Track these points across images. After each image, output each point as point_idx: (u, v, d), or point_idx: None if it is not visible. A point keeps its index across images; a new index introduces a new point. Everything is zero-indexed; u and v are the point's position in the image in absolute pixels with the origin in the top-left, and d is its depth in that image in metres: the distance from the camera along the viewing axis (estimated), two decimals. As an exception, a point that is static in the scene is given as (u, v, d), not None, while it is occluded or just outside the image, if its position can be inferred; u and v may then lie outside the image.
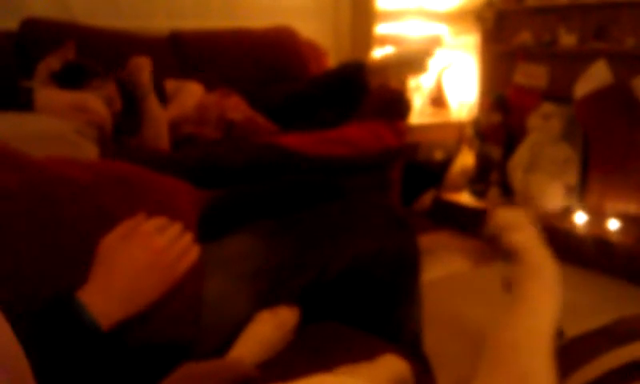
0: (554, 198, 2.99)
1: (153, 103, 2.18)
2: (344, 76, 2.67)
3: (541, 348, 0.70)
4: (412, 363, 0.97)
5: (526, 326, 0.72)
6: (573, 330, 0.99)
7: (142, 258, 0.92)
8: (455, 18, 3.63)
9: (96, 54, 2.38)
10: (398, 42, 3.51)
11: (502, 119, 3.26)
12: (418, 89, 3.65)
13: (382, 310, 1.21)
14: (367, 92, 2.61)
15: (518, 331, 0.71)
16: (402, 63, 2.68)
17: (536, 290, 0.76)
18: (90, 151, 1.45)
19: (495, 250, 0.86)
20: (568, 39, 3.01)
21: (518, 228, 0.84)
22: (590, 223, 2.83)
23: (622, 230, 2.73)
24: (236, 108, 2.39)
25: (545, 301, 0.76)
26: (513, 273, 0.80)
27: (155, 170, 1.18)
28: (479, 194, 3.31)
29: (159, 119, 2.16)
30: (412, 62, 2.63)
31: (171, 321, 0.97)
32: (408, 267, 1.24)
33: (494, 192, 3.26)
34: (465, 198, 3.35)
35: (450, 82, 3.72)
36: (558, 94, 3.04)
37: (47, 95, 1.59)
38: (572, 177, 2.98)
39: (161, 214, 0.99)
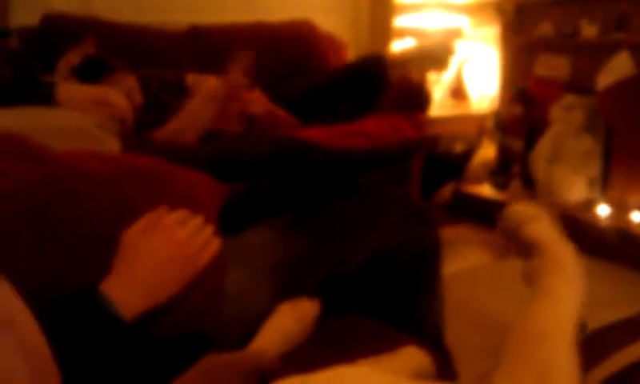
0: (576, 190, 2.95)
1: (197, 100, 2.18)
2: (363, 69, 2.66)
3: (563, 340, 0.70)
4: (433, 355, 0.97)
5: (549, 318, 0.72)
6: (595, 322, 0.98)
7: (163, 251, 0.92)
8: (475, 10, 3.60)
9: (116, 49, 2.40)
10: (417, 34, 3.49)
11: (524, 111, 3.23)
12: (438, 81, 3.62)
13: (403, 303, 1.21)
14: (387, 85, 2.60)
15: (540, 323, 0.71)
16: (423, 58, 2.66)
17: (558, 282, 0.76)
18: (111, 145, 1.46)
19: (511, 244, 0.86)
20: (589, 30, 2.97)
21: (536, 220, 0.84)
22: (613, 215, 2.80)
23: (644, 223, 2.70)
24: (256, 102, 2.40)
25: (567, 293, 0.75)
26: (533, 265, 0.80)
27: (176, 164, 1.19)
28: (500, 186, 3.29)
29: (199, 116, 2.16)
30: (433, 58, 2.62)
31: (193, 313, 0.98)
32: (428, 260, 1.23)
33: (515, 184, 3.23)
34: (486, 190, 3.33)
35: (471, 74, 3.69)
36: (580, 85, 3.00)
37: (68, 90, 1.61)
38: (594, 169, 2.94)
39: (182, 206, 0.99)
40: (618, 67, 2.79)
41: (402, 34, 3.60)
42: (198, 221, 0.98)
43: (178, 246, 0.93)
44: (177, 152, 1.88)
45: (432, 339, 1.22)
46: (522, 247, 0.83)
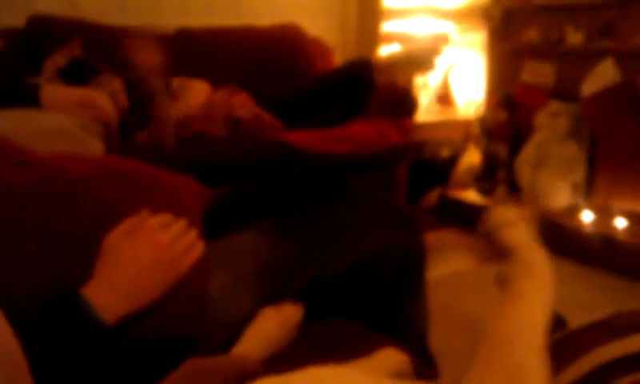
0: (560, 195, 2.98)
1: (163, 103, 2.19)
2: (350, 74, 2.67)
3: (533, 343, 0.70)
4: (417, 360, 0.97)
5: (519, 322, 0.72)
6: (577, 326, 0.98)
7: (146, 254, 0.92)
8: (462, 16, 3.62)
9: (103, 52, 2.39)
10: (404, 39, 3.50)
11: (509, 117, 3.25)
12: (425, 86, 3.64)
13: (388, 308, 1.21)
14: (373, 90, 2.61)
15: (510, 327, 0.72)
16: (409, 62, 2.67)
17: (530, 286, 0.77)
18: (95, 147, 1.45)
19: (491, 247, 0.87)
20: (575, 37, 3.00)
21: (513, 225, 0.84)
22: (597, 221, 2.82)
23: (628, 229, 2.72)
24: (243, 105, 2.39)
25: (538, 297, 0.76)
26: (507, 269, 0.80)
27: (161, 167, 1.18)
28: (486, 191, 3.30)
29: (167, 120, 2.16)
30: (419, 60, 2.63)
31: (175, 317, 0.97)
32: (413, 265, 1.24)
33: (500, 190, 3.25)
34: (471, 195, 3.34)
35: (457, 79, 3.71)
36: (565, 92, 3.03)
37: (53, 92, 1.60)
38: (579, 175, 2.97)
39: (166, 210, 0.99)
40: (603, 74, 2.81)
41: (389, 39, 3.62)
42: (181, 224, 0.98)
43: (161, 250, 0.93)
44: (161, 155, 1.88)
45: (416, 344, 1.22)
46: (498, 250, 0.84)
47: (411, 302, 1.25)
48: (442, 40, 3.46)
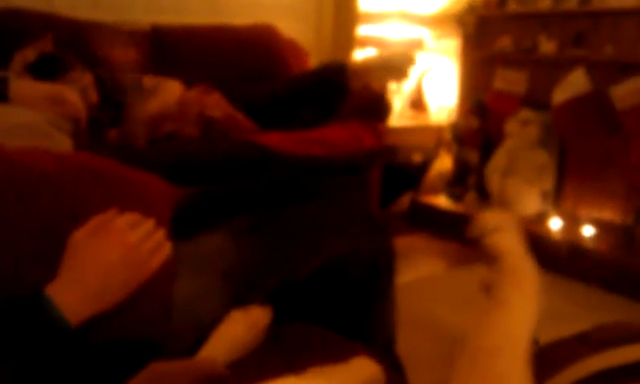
0: (529, 203, 3.01)
1: (134, 101, 2.16)
2: (325, 77, 2.66)
3: (518, 354, 0.70)
4: (385, 365, 0.97)
5: (504, 332, 0.72)
6: (546, 336, 0.99)
7: (113, 254, 0.90)
8: (437, 22, 3.64)
9: (75, 47, 2.35)
10: (379, 44, 3.52)
11: (480, 124, 3.28)
12: (398, 91, 3.65)
13: (356, 312, 1.21)
14: (348, 93, 2.61)
15: (495, 336, 0.71)
16: (383, 68, 2.67)
17: (515, 295, 0.76)
18: (63, 143, 1.43)
19: (478, 252, 0.86)
20: (547, 46, 3.04)
21: (502, 231, 0.84)
22: (565, 229, 2.86)
23: (596, 237, 2.76)
24: (216, 106, 2.37)
25: (523, 307, 0.75)
26: (492, 276, 0.80)
27: (130, 166, 1.17)
28: (456, 197, 3.33)
29: (138, 118, 2.14)
30: (394, 67, 2.63)
31: (141, 318, 0.96)
32: (382, 270, 1.24)
33: (471, 196, 3.28)
34: (442, 201, 3.37)
35: (430, 85, 3.74)
36: (537, 100, 3.07)
37: (22, 86, 1.57)
38: (548, 182, 3.01)
39: (133, 209, 0.98)
40: (574, 83, 2.86)
41: (364, 43, 3.62)
42: (149, 224, 0.96)
43: (128, 250, 0.91)
44: (131, 153, 1.85)
45: (384, 349, 1.22)
46: (486, 255, 0.84)
47: (380, 307, 1.24)
48: (417, 46, 3.48)
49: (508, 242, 0.83)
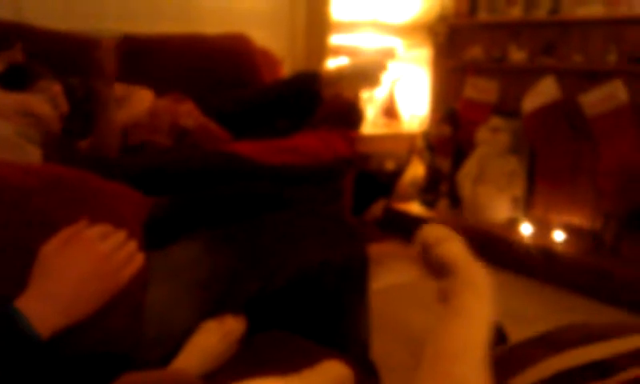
0: (501, 209, 3.05)
1: (106, 110, 2.14)
2: (298, 85, 2.67)
3: (476, 358, 0.71)
4: (358, 370, 0.98)
5: (462, 337, 0.73)
6: (517, 338, 1.00)
7: (83, 266, 0.90)
8: (409, 32, 3.68)
9: (46, 57, 2.33)
10: (352, 53, 3.54)
11: (452, 132, 3.32)
12: (371, 100, 3.68)
13: (330, 319, 1.21)
14: (321, 102, 2.62)
15: (453, 342, 0.72)
16: (355, 75, 2.69)
17: (471, 301, 0.77)
18: (33, 155, 1.41)
19: (426, 263, 0.87)
20: (518, 55, 3.08)
21: (448, 241, 0.85)
22: (536, 234, 2.90)
23: (566, 241, 2.81)
24: (188, 115, 2.37)
25: (480, 312, 0.77)
26: (447, 285, 0.81)
27: (101, 176, 1.16)
28: (429, 204, 3.35)
29: (110, 127, 2.12)
30: (366, 75, 2.65)
31: (114, 329, 0.95)
32: (355, 277, 1.24)
33: (443, 203, 3.31)
34: (415, 208, 3.39)
35: (403, 94, 3.77)
36: (507, 108, 3.12)
37: (-10, 97, 1.55)
38: (518, 189, 3.05)
39: (104, 220, 0.97)
40: (543, 91, 2.90)
41: (337, 52, 3.64)
42: (120, 235, 0.96)
43: (99, 261, 0.91)
44: (101, 163, 1.84)
45: (358, 355, 1.23)
46: (434, 267, 0.85)
47: (353, 314, 1.25)
48: (389, 55, 3.51)
49: (457, 250, 0.84)
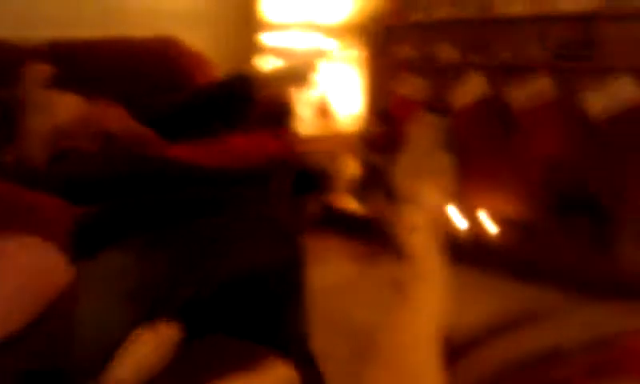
0: (433, 202, 3.10)
1: (29, 117, 2.08)
2: (229, 87, 2.66)
3: (430, 347, 0.72)
4: (300, 368, 0.98)
5: (414, 328, 0.74)
6: (454, 325, 1.02)
7: (8, 280, 0.87)
8: (342, 32, 3.70)
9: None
10: (284, 53, 3.54)
11: (386, 129, 3.36)
12: (305, 100, 3.69)
13: (268, 320, 1.21)
14: (253, 103, 2.61)
15: (406, 333, 0.73)
16: (287, 76, 2.70)
17: (425, 293, 0.78)
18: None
19: (388, 248, 0.88)
20: (448, 53, 3.15)
21: (418, 231, 0.86)
22: (468, 226, 2.97)
23: (499, 232, 2.89)
24: (117, 120, 2.32)
25: (433, 303, 0.78)
26: (404, 274, 0.82)
27: (26, 186, 1.13)
28: (365, 200, 3.39)
29: (34, 135, 2.06)
30: (296, 75, 2.66)
31: (43, 343, 0.93)
32: (292, 277, 1.25)
33: (379, 198, 3.35)
34: (352, 204, 3.42)
35: (337, 93, 3.79)
36: (438, 105, 3.18)
37: None
38: (450, 182, 3.11)
39: (30, 232, 0.94)
40: (472, 88, 2.98)
41: (268, 52, 3.64)
42: (47, 246, 0.93)
43: (24, 274, 0.88)
44: (27, 173, 1.78)
45: (300, 354, 1.23)
46: (397, 252, 0.86)
47: (291, 313, 1.25)
48: (321, 54, 3.53)
49: (422, 242, 0.86)
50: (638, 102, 2.56)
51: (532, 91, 2.81)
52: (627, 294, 2.35)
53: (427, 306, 0.78)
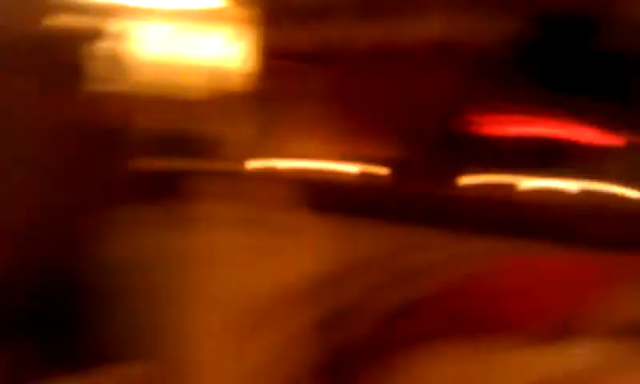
0: (307, 153, 3.01)
1: None
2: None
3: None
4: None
5: (280, 281, 0.70)
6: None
7: None
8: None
9: None
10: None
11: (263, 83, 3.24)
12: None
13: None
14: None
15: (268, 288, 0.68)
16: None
17: (290, 248, 0.74)
18: None
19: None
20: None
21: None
22: (350, 174, 2.88)
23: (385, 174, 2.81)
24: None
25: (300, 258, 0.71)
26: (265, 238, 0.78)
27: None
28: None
29: None
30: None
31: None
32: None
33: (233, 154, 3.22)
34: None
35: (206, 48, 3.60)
36: (319, 54, 3.07)
37: None
38: (325, 133, 3.03)
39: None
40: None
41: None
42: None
43: None
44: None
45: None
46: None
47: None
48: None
49: (284, 197, 0.81)
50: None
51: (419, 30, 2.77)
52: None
53: (295, 261, 0.72)
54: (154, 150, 3.21)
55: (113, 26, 2.50)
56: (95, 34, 2.47)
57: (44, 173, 2.24)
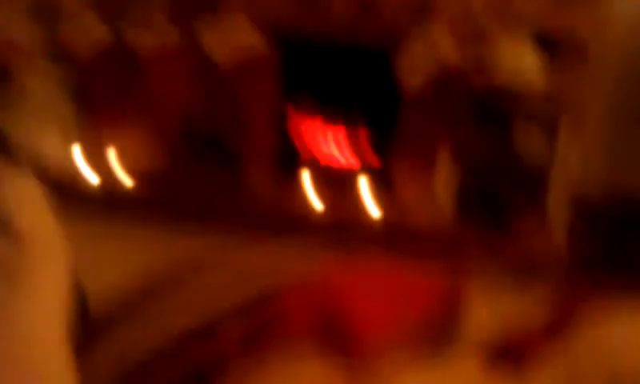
0: (56, 156, 2.87)
1: None
2: None
3: (54, 335, 0.61)
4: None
5: (33, 315, 0.60)
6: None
7: None
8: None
9: None
10: None
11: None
12: None
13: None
14: None
15: (24, 323, 0.60)
16: None
17: (38, 274, 0.64)
18: None
19: None
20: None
21: (25, 205, 0.67)
22: (99, 180, 2.82)
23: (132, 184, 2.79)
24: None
25: (51, 285, 0.64)
26: (10, 259, 0.64)
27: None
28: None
29: None
30: None
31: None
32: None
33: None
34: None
35: None
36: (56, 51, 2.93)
37: None
38: (74, 135, 2.92)
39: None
40: (92, 33, 2.82)
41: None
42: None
43: None
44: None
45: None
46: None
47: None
48: None
49: (30, 217, 0.67)
50: (257, 50, 2.70)
51: (156, 38, 2.77)
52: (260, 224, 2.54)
53: (45, 289, 0.64)
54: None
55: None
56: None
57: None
